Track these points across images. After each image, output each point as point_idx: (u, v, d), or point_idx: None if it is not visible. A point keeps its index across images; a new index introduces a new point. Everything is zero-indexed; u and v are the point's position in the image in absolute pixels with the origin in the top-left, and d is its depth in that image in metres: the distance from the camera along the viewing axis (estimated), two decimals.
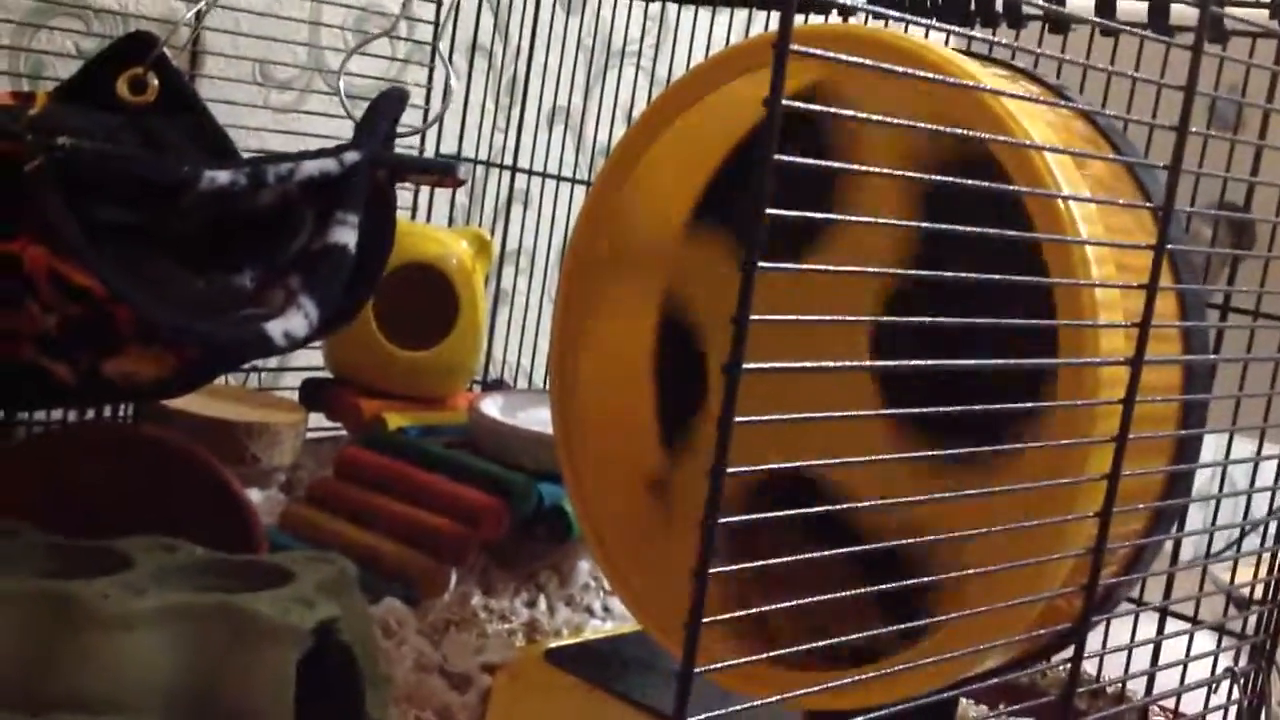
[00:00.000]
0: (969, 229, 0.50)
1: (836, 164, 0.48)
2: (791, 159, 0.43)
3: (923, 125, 0.48)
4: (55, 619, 0.60)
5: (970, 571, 0.57)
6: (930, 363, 0.51)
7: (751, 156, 0.79)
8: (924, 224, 0.52)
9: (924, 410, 0.59)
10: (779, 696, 0.52)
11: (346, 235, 0.70)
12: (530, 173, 1.30)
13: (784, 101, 0.41)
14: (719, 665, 0.45)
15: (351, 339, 1.13)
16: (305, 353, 1.27)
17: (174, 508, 0.79)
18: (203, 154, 0.77)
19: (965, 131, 0.59)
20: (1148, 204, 0.62)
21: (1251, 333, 0.81)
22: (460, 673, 0.82)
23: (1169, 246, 0.60)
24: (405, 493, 0.98)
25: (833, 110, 0.46)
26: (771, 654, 0.48)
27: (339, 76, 0.81)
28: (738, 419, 0.43)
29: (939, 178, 0.51)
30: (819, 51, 0.43)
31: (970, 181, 0.51)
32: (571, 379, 0.83)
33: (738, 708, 0.46)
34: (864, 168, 0.48)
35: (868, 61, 0.46)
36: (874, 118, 0.47)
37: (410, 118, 1.20)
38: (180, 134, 0.80)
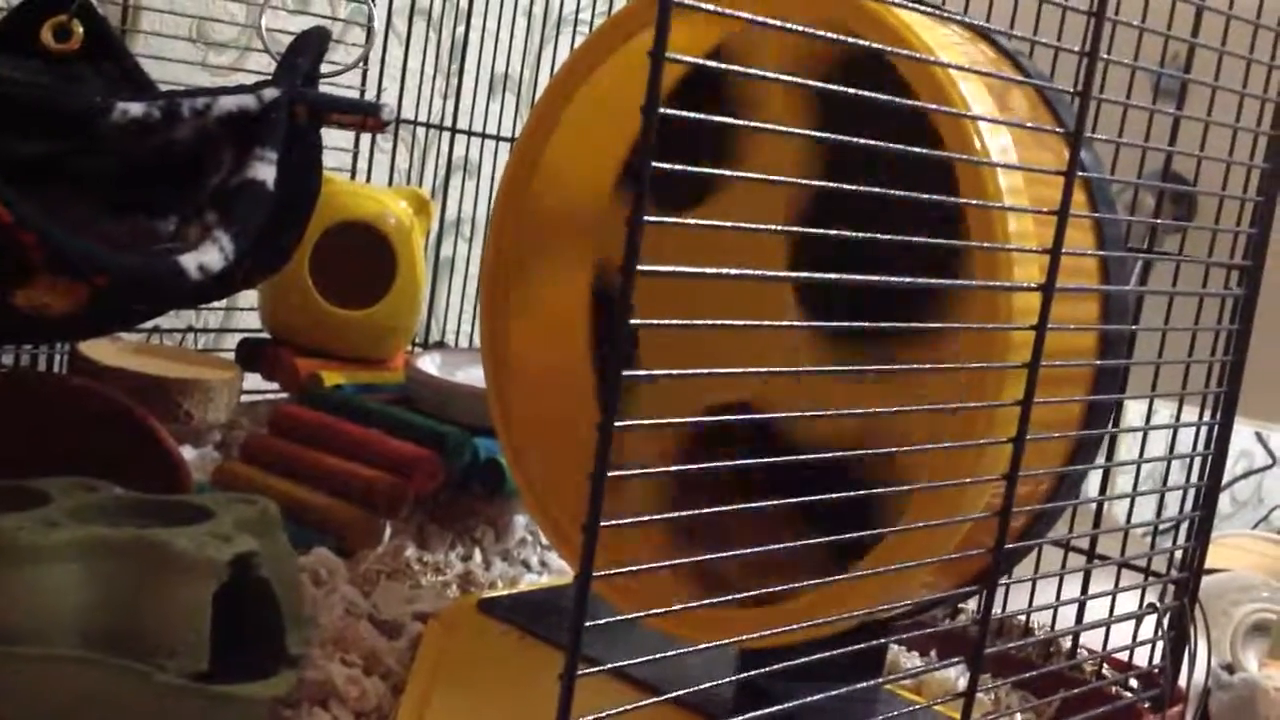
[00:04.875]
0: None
1: (724, 119, 0.47)
2: (678, 112, 0.43)
3: (820, 85, 0.48)
4: None
5: (893, 489, 0.57)
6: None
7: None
8: (825, 184, 0.51)
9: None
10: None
11: (265, 171, 0.70)
12: (470, 133, 1.30)
13: (669, 55, 0.41)
14: (618, 570, 0.45)
15: (288, 299, 1.13)
16: (244, 315, 1.27)
17: (101, 457, 0.79)
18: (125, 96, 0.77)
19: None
20: (1058, 129, 0.63)
21: (1174, 278, 0.81)
22: (391, 620, 0.81)
23: (1083, 174, 0.60)
24: (340, 447, 0.97)
25: (723, 66, 0.46)
26: (670, 563, 0.48)
27: (260, 20, 0.81)
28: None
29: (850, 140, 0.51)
30: (705, 5, 0.43)
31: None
32: (503, 341, 0.82)
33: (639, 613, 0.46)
34: (759, 124, 0.48)
35: (757, 18, 0.46)
36: (772, 75, 0.47)
37: (350, 79, 1.20)
38: (105, 80, 0.80)
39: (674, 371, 0.45)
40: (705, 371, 0.47)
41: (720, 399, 0.74)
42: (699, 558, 0.53)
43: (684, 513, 0.49)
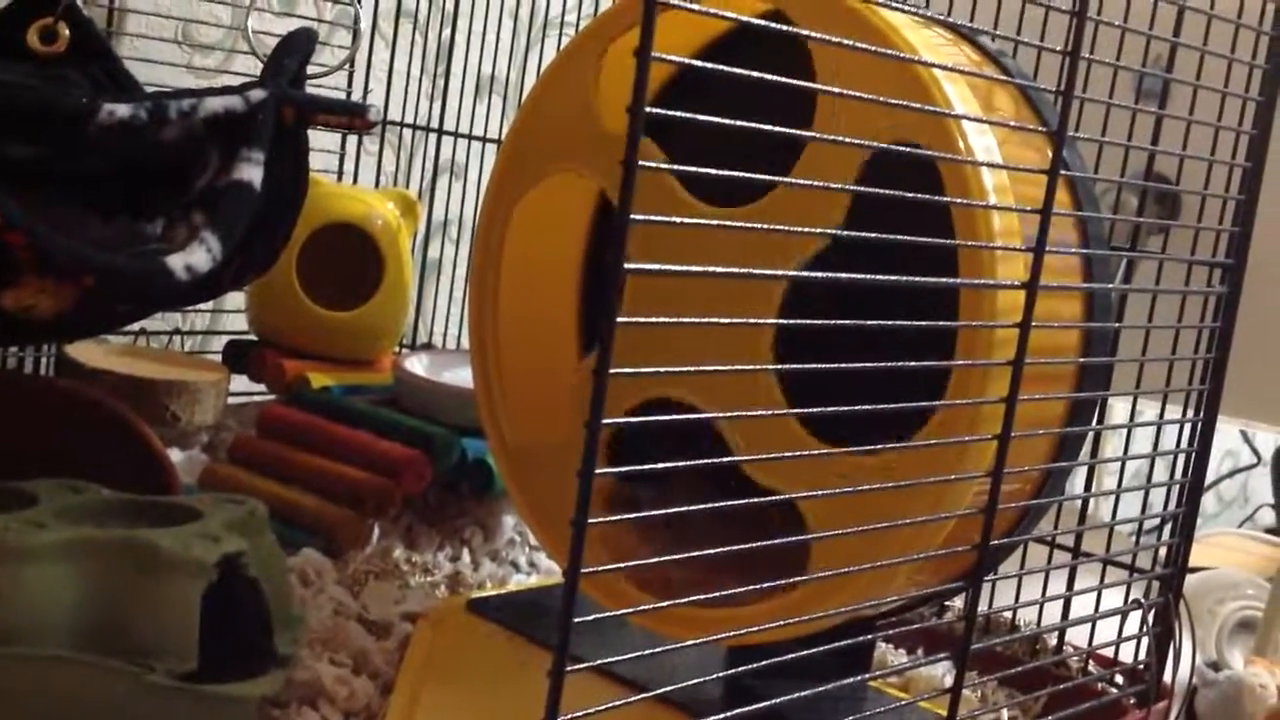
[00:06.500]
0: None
1: (710, 118, 0.47)
2: (661, 110, 0.43)
3: (811, 85, 0.49)
4: None
5: (879, 486, 0.58)
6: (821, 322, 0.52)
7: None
8: (842, 187, 0.52)
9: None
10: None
11: (251, 172, 0.70)
12: (457, 135, 1.30)
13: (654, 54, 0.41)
14: (605, 568, 0.45)
15: (275, 300, 1.13)
16: (231, 317, 1.27)
17: (88, 459, 0.78)
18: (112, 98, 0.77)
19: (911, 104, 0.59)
20: (1040, 129, 0.63)
21: (1158, 277, 0.82)
22: (380, 621, 0.82)
23: (1065, 173, 0.61)
24: (327, 448, 0.97)
25: (709, 65, 0.47)
26: (649, 562, 0.48)
27: (246, 22, 0.81)
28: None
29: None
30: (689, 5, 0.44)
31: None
32: (493, 340, 0.82)
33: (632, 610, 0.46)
34: (744, 124, 0.48)
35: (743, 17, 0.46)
36: (756, 75, 0.47)
37: (336, 81, 1.20)
38: (91, 82, 0.80)
39: (663, 370, 0.46)
40: (695, 369, 0.47)
41: (652, 394, 0.72)
42: (692, 554, 0.53)
43: (681, 509, 0.49)
